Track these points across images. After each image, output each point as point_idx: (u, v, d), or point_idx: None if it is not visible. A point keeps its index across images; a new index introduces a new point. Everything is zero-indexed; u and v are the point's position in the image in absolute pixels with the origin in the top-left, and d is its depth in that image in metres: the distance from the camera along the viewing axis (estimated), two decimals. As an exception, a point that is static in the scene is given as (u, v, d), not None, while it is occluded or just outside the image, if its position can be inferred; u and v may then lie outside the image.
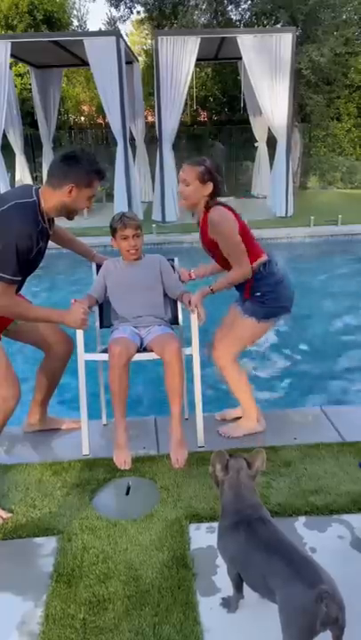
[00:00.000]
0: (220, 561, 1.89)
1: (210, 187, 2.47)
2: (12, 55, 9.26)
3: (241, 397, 2.79)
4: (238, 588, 1.68)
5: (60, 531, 2.11)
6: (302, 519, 2.14)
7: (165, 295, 2.79)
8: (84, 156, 2.26)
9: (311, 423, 2.91)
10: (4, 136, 9.93)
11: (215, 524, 2.08)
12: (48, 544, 2.05)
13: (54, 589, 1.83)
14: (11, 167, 11.25)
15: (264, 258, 2.59)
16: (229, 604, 1.73)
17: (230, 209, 2.54)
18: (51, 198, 2.26)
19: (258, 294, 2.59)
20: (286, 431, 2.81)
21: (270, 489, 2.34)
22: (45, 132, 12.30)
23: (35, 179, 12.52)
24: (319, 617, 1.30)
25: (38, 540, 2.08)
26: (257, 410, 2.82)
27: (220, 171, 2.54)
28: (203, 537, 2.06)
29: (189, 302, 2.60)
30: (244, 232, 2.54)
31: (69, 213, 2.36)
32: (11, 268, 2.17)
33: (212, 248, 2.59)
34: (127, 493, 2.36)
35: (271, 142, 10.81)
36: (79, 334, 2.52)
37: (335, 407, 3.16)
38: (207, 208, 2.51)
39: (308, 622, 1.32)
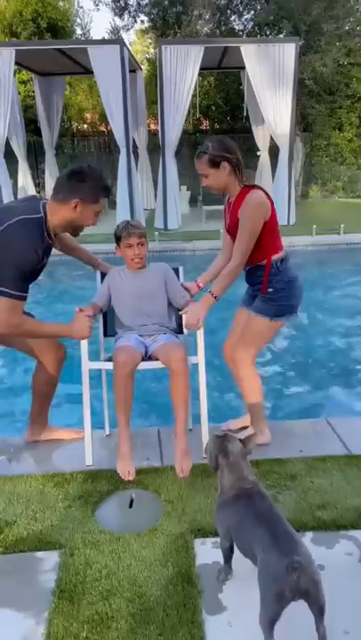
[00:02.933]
0: (226, 578, 1.86)
1: (226, 166, 2.41)
2: (15, 62, 9.30)
3: (253, 405, 2.73)
4: (228, 560, 1.85)
5: (62, 545, 2.06)
6: (310, 534, 2.09)
7: (170, 304, 2.76)
8: (91, 172, 2.27)
9: (317, 435, 2.87)
10: (7, 143, 9.96)
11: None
12: (50, 559, 2.00)
13: (56, 606, 1.78)
14: (14, 174, 11.28)
15: (282, 254, 2.55)
16: (221, 575, 1.87)
17: (269, 198, 2.46)
18: (56, 213, 2.25)
19: (271, 290, 2.53)
20: (292, 443, 2.77)
21: (276, 503, 2.26)
22: (48, 139, 12.36)
23: (37, 185, 12.55)
24: (288, 585, 1.42)
25: (40, 554, 2.03)
26: (264, 421, 2.78)
27: (227, 144, 2.43)
28: (208, 552, 2.01)
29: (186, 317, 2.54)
30: (273, 223, 2.49)
31: (75, 229, 2.35)
32: (18, 285, 2.16)
33: (236, 231, 2.50)
34: (130, 506, 2.31)
35: (273, 151, 10.84)
36: (83, 342, 2.49)
37: (341, 418, 3.11)
38: (245, 187, 2.46)
39: (278, 588, 1.43)
